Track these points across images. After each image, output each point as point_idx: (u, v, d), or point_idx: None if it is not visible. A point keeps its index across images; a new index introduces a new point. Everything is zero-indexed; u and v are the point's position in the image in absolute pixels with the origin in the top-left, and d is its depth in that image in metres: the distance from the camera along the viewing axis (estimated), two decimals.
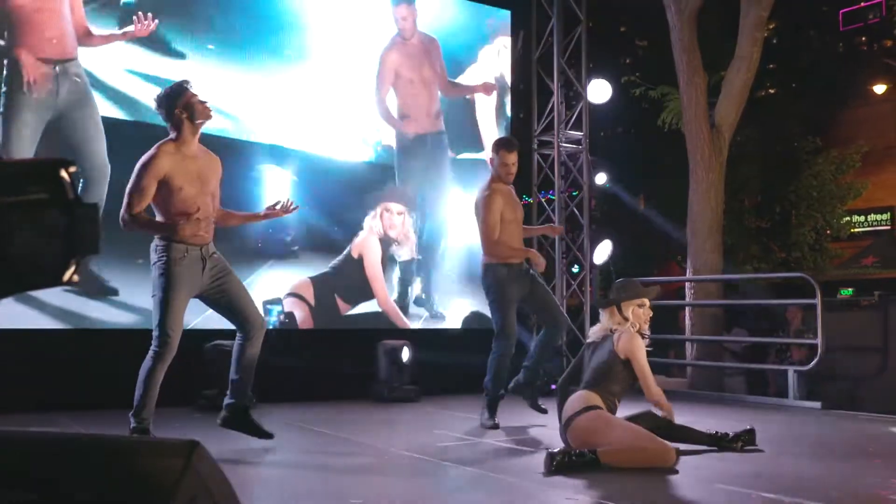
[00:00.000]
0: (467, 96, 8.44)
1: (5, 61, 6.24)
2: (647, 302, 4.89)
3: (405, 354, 7.20)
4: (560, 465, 3.95)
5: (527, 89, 9.10)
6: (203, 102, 4.51)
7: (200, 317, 6.86)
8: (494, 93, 8.53)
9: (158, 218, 4.49)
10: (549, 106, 8.87)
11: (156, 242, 4.46)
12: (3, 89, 6.22)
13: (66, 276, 1.08)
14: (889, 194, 18.30)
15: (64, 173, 1.08)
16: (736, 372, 9.53)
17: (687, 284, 9.53)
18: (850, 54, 17.96)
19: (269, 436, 4.69)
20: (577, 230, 8.94)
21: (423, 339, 7.58)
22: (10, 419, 5.54)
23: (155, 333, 4.47)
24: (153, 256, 4.45)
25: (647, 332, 4.87)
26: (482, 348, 5.73)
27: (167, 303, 4.41)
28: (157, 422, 5.67)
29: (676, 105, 10.30)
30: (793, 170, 14.57)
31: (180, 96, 4.48)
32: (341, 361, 7.08)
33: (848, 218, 15.52)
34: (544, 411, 5.68)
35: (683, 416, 6.40)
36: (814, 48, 16.66)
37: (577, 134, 8.92)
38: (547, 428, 5.53)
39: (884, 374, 7.26)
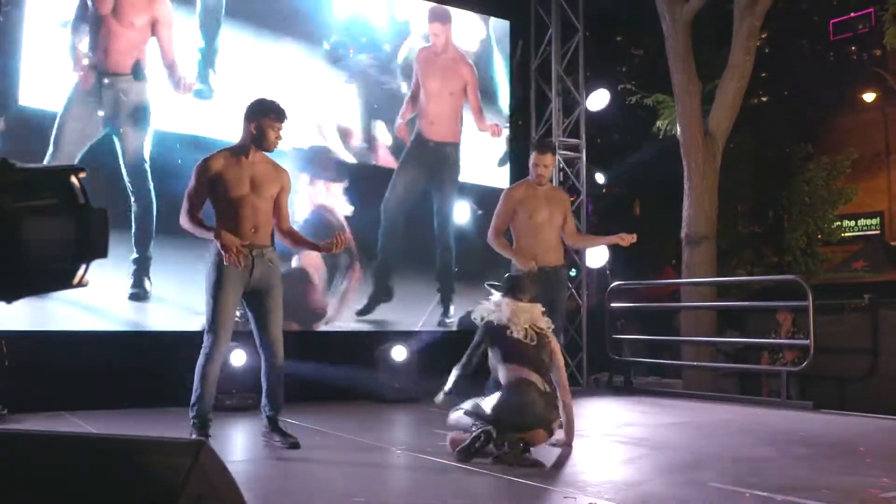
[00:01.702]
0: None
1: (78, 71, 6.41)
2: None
3: (406, 355, 7.32)
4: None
5: (525, 97, 9.25)
6: (277, 135, 4.63)
7: (193, 294, 6.98)
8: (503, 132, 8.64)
9: (215, 218, 4.61)
10: (548, 113, 9.02)
11: (211, 245, 4.59)
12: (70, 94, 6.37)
13: (77, 280, 1.10)
14: (878, 199, 18.52)
15: (74, 179, 1.10)
16: (729, 373, 9.68)
17: (682, 287, 9.69)
18: (840, 63, 18.14)
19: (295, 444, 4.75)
20: None
21: (425, 340, 7.66)
22: (19, 419, 5.64)
23: (206, 331, 4.60)
24: (208, 256, 4.59)
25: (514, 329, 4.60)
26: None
27: (216, 301, 4.54)
28: (162, 422, 5.79)
29: (671, 112, 10.45)
30: (785, 176, 14.73)
31: (262, 117, 4.60)
32: (343, 362, 7.14)
33: (839, 223, 15.70)
34: None
35: (678, 417, 6.57)
36: (805, 57, 16.83)
37: (575, 141, 9.07)
38: None
39: (874, 375, 7.42)
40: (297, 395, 6.74)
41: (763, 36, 14.96)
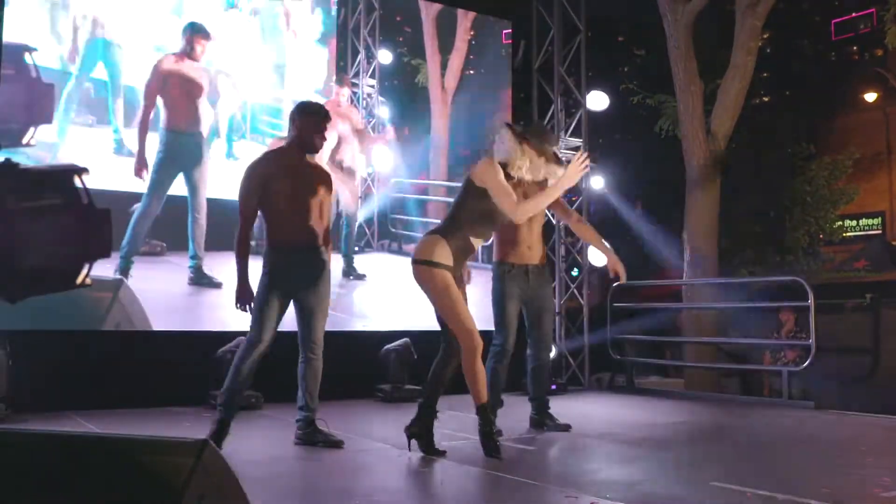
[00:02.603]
0: None
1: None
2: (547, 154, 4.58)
3: (409, 355, 7.34)
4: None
5: (527, 97, 9.26)
6: (322, 139, 4.66)
7: (211, 320, 7.03)
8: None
9: (267, 224, 4.63)
10: (550, 113, 9.04)
11: (266, 246, 4.63)
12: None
13: (80, 280, 1.14)
14: (880, 199, 18.53)
15: (78, 180, 1.12)
16: (731, 372, 9.69)
17: (683, 287, 9.71)
18: (841, 63, 18.16)
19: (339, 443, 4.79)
20: (576, 235, 9.07)
21: (427, 340, 7.68)
22: (23, 419, 5.64)
23: (250, 329, 4.64)
24: (264, 259, 4.63)
25: (528, 178, 4.59)
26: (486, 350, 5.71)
27: (262, 304, 4.57)
28: (167, 421, 5.81)
29: (673, 112, 10.47)
30: (786, 175, 14.74)
31: (307, 117, 4.64)
32: (346, 362, 7.17)
33: (840, 222, 15.72)
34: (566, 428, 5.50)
35: (680, 416, 6.58)
36: (807, 57, 16.85)
37: (577, 141, 9.08)
38: (546, 428, 5.68)
39: (875, 374, 7.43)
40: (295, 395, 6.77)
41: (765, 36, 14.98)
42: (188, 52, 7.07)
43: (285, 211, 4.59)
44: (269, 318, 4.59)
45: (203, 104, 7.16)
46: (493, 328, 5.38)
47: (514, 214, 4.40)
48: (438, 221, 8.64)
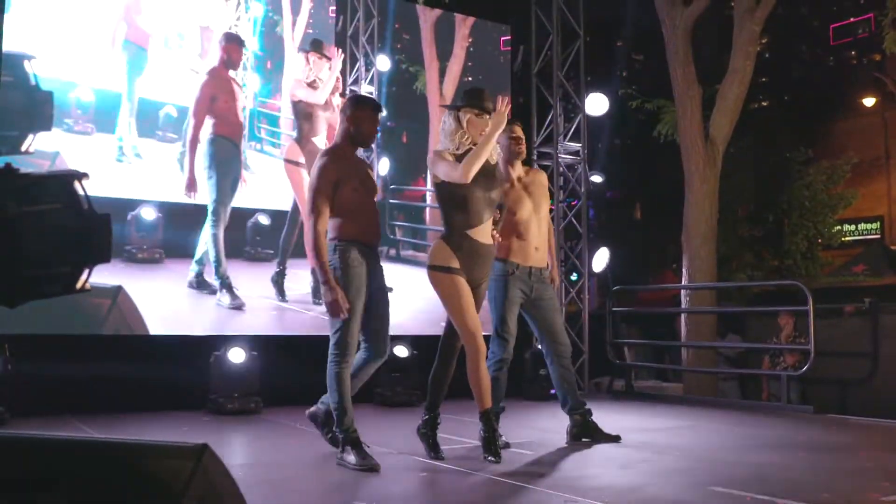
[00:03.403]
0: None
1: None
2: (486, 115, 4.54)
3: (408, 359, 7.34)
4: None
5: (526, 102, 9.28)
6: (371, 132, 4.57)
7: (210, 324, 7.04)
8: None
9: (334, 222, 4.46)
10: (549, 118, 9.05)
11: (335, 245, 4.47)
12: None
13: (79, 284, 1.12)
14: (878, 204, 18.56)
15: (78, 185, 1.11)
16: (730, 377, 9.70)
17: (682, 292, 9.72)
18: (840, 68, 18.21)
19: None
20: (576, 239, 9.11)
21: (427, 345, 7.69)
22: (23, 423, 5.67)
23: (336, 340, 4.44)
24: (332, 260, 4.43)
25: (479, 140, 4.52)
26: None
27: (351, 304, 4.38)
28: (167, 425, 5.83)
29: (672, 117, 10.48)
30: (785, 180, 14.77)
31: (361, 109, 4.55)
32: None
33: (839, 227, 15.73)
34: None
35: (679, 421, 6.58)
36: (805, 62, 16.89)
37: (576, 145, 9.09)
38: (548, 432, 5.69)
39: (874, 378, 7.44)
40: (297, 399, 6.79)
41: (763, 41, 15.03)
42: (226, 62, 7.15)
43: (359, 210, 4.48)
44: (359, 317, 4.44)
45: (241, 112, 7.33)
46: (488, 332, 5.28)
47: (459, 176, 4.37)
48: (436, 228, 8.68)
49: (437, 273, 4.52)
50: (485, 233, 4.58)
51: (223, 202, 7.03)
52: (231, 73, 7.24)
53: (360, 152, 4.80)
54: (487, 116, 4.53)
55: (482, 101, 4.56)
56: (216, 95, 7.08)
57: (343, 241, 4.44)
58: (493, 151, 4.57)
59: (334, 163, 4.44)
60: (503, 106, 4.43)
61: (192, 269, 7.06)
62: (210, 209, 7.00)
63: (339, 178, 4.41)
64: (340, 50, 7.91)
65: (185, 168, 7.00)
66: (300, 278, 7.53)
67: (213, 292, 7.06)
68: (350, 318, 4.37)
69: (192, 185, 6.98)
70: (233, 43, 7.22)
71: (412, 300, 7.87)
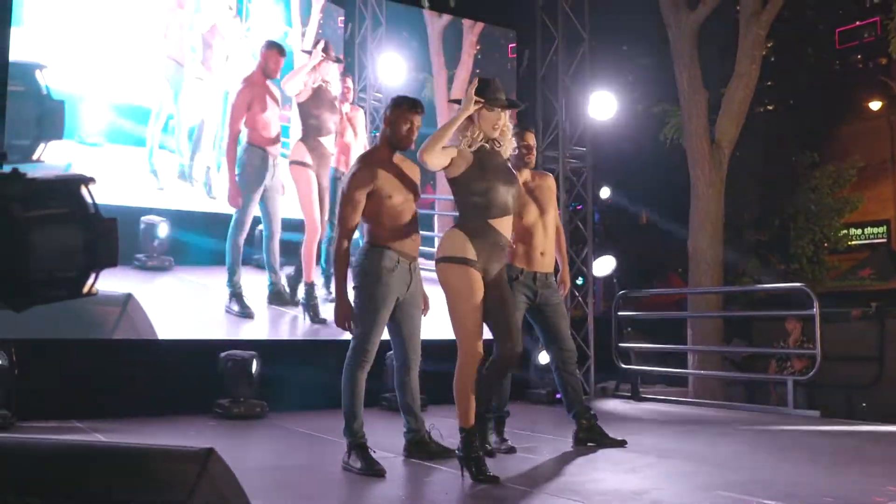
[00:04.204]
0: None
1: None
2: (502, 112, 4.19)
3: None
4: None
5: (532, 107, 9.28)
6: (408, 132, 4.43)
7: (215, 328, 7.05)
8: None
9: (368, 227, 4.41)
10: (554, 123, 9.05)
11: (366, 249, 4.41)
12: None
13: (86, 289, 1.11)
14: (884, 208, 18.54)
15: (85, 189, 1.11)
16: (736, 382, 9.68)
17: (688, 296, 9.70)
18: (845, 72, 18.19)
19: (453, 452, 4.49)
20: (581, 243, 9.09)
21: (432, 350, 7.67)
22: (29, 428, 5.68)
23: (356, 344, 4.40)
24: (363, 263, 4.38)
25: (500, 145, 4.20)
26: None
27: (374, 315, 4.36)
28: (173, 430, 5.83)
29: (677, 121, 10.49)
30: (791, 184, 14.76)
31: (394, 109, 4.45)
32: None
33: (845, 231, 15.73)
34: None
35: (685, 425, 6.57)
36: (811, 66, 16.88)
37: (581, 150, 9.09)
38: (553, 437, 5.68)
39: (880, 382, 7.42)
40: (302, 403, 6.80)
41: (769, 45, 15.00)
42: (265, 70, 7.13)
43: (397, 216, 4.39)
44: (382, 325, 4.42)
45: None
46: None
47: (423, 157, 3.99)
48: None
49: (449, 264, 4.02)
50: (505, 227, 4.13)
51: (248, 212, 7.03)
52: (269, 81, 7.18)
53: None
54: (499, 110, 4.16)
55: (493, 92, 4.16)
56: (251, 104, 7.04)
57: (375, 246, 4.40)
58: (507, 147, 4.25)
59: (366, 169, 4.35)
60: (472, 89, 4.10)
61: (268, 286, 7.22)
62: (234, 217, 7.01)
63: (372, 185, 4.32)
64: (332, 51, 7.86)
65: (227, 178, 7.03)
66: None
67: (292, 304, 7.30)
68: (371, 326, 4.34)
69: (234, 195, 6.98)
70: (272, 50, 7.15)
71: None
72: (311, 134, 7.44)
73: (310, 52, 7.58)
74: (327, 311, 7.26)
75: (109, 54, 6.80)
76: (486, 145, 4.17)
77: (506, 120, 4.22)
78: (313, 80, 7.52)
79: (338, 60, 7.77)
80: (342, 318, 4.34)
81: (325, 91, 7.55)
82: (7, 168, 1.10)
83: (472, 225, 4.06)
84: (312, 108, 7.47)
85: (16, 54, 6.33)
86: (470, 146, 4.15)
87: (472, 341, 4.02)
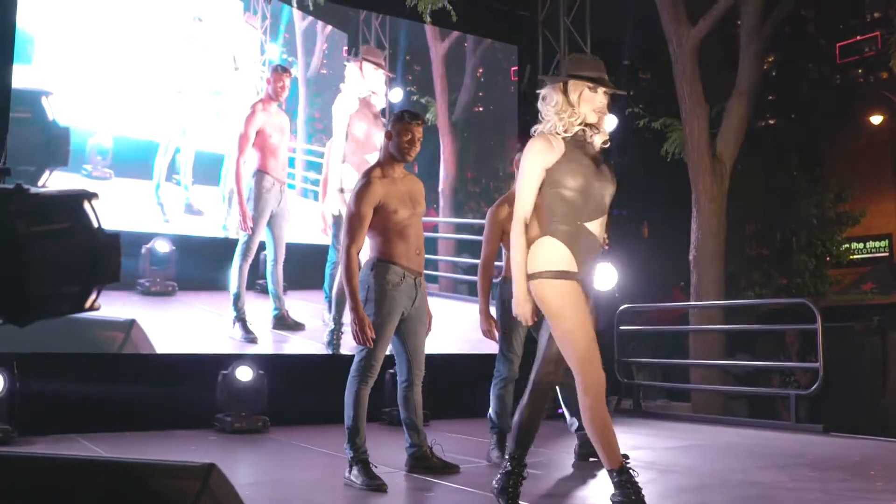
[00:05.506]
0: None
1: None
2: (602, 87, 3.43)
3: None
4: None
5: (534, 121, 9.29)
6: (409, 143, 4.42)
7: (216, 343, 7.04)
8: None
9: (374, 242, 4.42)
10: None
11: (372, 263, 4.41)
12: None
13: (88, 304, 1.12)
14: (887, 222, 18.51)
15: (88, 205, 1.11)
16: (738, 396, 9.65)
17: (690, 310, 9.69)
18: (847, 86, 18.21)
19: (455, 468, 4.66)
20: None
21: (434, 365, 7.66)
22: (30, 442, 5.67)
23: (361, 357, 4.41)
24: (368, 278, 4.38)
25: (599, 130, 3.49)
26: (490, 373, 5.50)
27: (381, 329, 4.33)
28: (173, 444, 5.81)
29: (679, 135, 10.50)
30: (793, 198, 14.76)
31: (394, 122, 4.47)
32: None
33: (847, 245, 15.72)
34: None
35: (687, 440, 6.54)
36: (812, 80, 16.91)
37: None
38: (555, 451, 5.66)
39: (883, 397, 7.40)
40: (304, 419, 6.78)
41: (770, 59, 15.07)
42: (272, 94, 7.15)
43: (401, 231, 4.39)
44: (388, 339, 4.42)
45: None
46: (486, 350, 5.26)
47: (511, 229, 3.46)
48: (449, 259, 8.44)
49: (549, 281, 3.31)
50: (599, 231, 3.45)
51: (256, 238, 7.04)
52: (276, 106, 7.19)
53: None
54: (603, 90, 3.42)
55: (598, 70, 3.45)
56: (260, 129, 7.05)
57: (381, 261, 4.40)
58: (602, 136, 3.51)
59: (371, 184, 4.35)
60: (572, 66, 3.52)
61: (273, 312, 7.20)
62: (242, 242, 7.03)
63: (378, 200, 4.33)
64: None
65: (235, 203, 7.06)
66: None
67: (297, 329, 7.28)
68: (377, 341, 4.32)
69: (245, 220, 6.98)
70: (277, 72, 7.18)
71: None
72: (358, 153, 7.46)
73: (363, 61, 7.59)
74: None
75: (117, 87, 6.86)
76: (582, 133, 3.46)
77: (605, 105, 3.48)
78: (359, 89, 7.53)
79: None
80: (363, 330, 4.24)
81: (371, 105, 7.59)
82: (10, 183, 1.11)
83: (568, 231, 3.35)
84: (361, 123, 7.50)
85: (23, 84, 6.37)
86: (565, 131, 3.43)
87: (590, 366, 3.38)
